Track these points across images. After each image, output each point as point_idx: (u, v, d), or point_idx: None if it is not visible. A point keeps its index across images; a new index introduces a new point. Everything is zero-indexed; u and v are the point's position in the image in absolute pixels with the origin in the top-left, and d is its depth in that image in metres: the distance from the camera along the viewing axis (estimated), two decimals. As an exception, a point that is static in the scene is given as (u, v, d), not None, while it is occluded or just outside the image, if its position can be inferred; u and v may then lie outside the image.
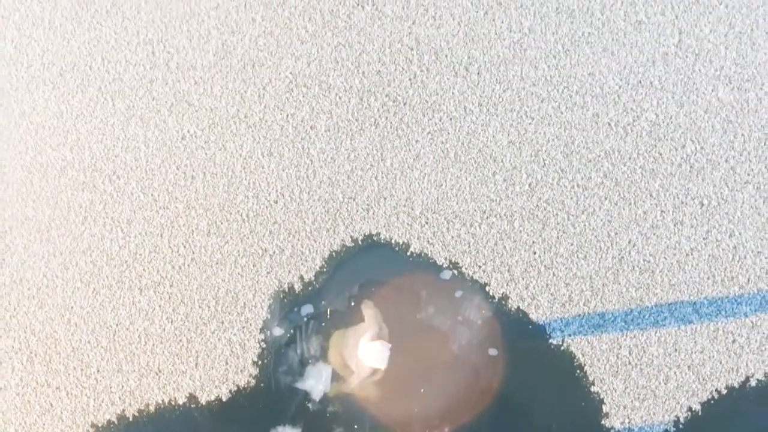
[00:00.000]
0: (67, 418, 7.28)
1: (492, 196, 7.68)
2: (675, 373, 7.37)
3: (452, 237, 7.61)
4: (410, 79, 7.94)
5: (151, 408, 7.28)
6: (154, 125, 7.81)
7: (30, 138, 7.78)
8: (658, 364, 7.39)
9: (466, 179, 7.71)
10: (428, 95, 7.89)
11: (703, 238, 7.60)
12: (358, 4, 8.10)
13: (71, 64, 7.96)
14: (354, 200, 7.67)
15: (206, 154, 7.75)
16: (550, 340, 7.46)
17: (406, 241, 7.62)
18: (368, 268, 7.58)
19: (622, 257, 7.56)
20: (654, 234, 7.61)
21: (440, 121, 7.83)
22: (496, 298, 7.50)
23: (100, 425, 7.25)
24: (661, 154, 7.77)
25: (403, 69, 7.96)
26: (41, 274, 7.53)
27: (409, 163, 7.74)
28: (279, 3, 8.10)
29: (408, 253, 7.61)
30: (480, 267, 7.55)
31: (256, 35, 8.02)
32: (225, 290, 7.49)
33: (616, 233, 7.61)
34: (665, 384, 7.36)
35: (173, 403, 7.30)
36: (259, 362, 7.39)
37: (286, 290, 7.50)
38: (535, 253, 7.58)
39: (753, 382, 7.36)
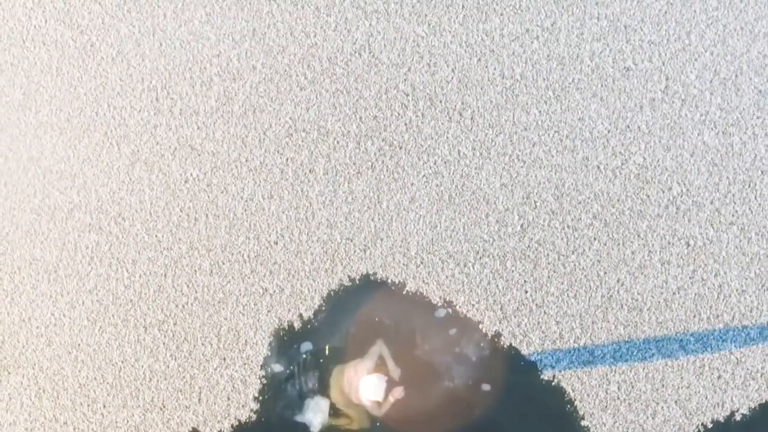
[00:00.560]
0: (73, 453, 7.64)
1: (485, 237, 7.98)
2: (662, 407, 7.68)
3: (446, 276, 7.90)
4: (406, 124, 8.19)
5: (155, 443, 7.62)
6: (158, 169, 8.10)
7: (38, 181, 8.07)
8: (645, 399, 7.68)
9: (460, 221, 8.00)
10: (423, 140, 8.15)
11: (689, 277, 7.90)
12: (355, 52, 8.34)
13: (78, 110, 8.23)
14: (351, 241, 7.97)
15: (209, 196, 8.04)
16: (542, 376, 7.75)
17: (402, 280, 7.91)
18: (365, 307, 7.82)
19: (611, 296, 7.86)
20: (642, 273, 7.91)
21: (435, 164, 8.10)
22: (489, 335, 7.80)
23: (105, 460, 7.58)
24: (648, 196, 8.05)
25: (399, 114, 8.22)
26: (49, 313, 7.85)
27: (404, 205, 8.02)
28: (279, 51, 8.35)
29: (404, 292, 7.89)
30: (473, 305, 7.85)
31: (256, 82, 8.28)
32: (227, 328, 7.81)
33: (605, 272, 7.91)
34: (653, 418, 7.67)
35: (176, 438, 7.66)
36: (260, 398, 7.69)
37: (286, 328, 7.81)
38: (526, 291, 7.89)
39: (738, 417, 7.67)
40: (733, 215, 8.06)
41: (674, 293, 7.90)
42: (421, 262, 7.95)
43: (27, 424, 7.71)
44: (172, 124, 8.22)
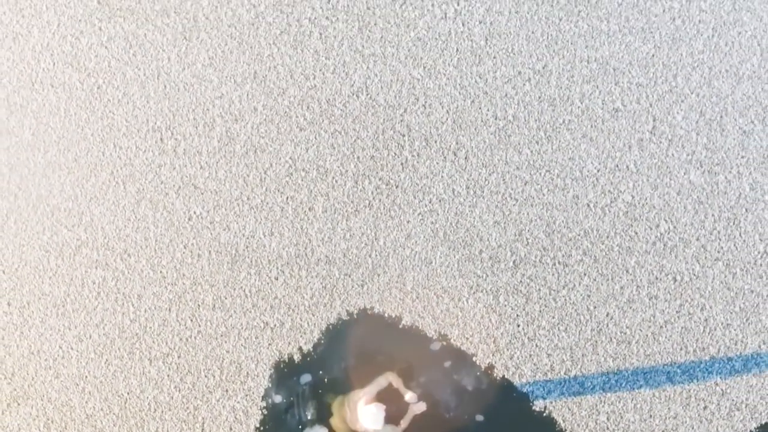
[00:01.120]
0: (79, 483, 7.81)
1: (478, 272, 8.24)
2: (650, 437, 7.89)
3: (441, 311, 8.15)
4: (402, 164, 8.45)
5: (159, 472, 7.78)
6: (162, 207, 8.34)
7: (47, 219, 8.30)
8: (634, 428, 7.95)
9: (455, 257, 8.25)
10: (419, 178, 8.39)
11: (676, 311, 8.16)
12: (353, 94, 8.58)
13: (85, 150, 8.48)
14: (349, 276, 8.21)
15: (211, 233, 8.28)
16: (533, 406, 8.00)
17: (398, 314, 8.14)
18: (362, 340, 8.05)
19: (601, 329, 8.12)
20: (630, 307, 8.17)
21: (430, 202, 8.34)
22: (483, 367, 8.06)
23: (110, 489, 7.74)
24: (636, 233, 8.30)
25: (395, 154, 8.50)
26: (57, 346, 8.10)
27: (401, 242, 8.26)
28: (279, 93, 8.61)
29: (400, 326, 8.12)
30: (467, 339, 8.11)
31: (257, 123, 8.53)
32: (229, 361, 8.05)
33: (594, 307, 8.17)
34: (641, 448, 7.87)
35: (180, 467, 7.82)
36: (261, 428, 7.94)
37: (286, 361, 8.04)
38: (518, 325, 8.14)
39: (723, 446, 7.90)
40: (718, 251, 8.29)
41: (662, 327, 8.14)
42: (417, 297, 8.16)
43: (36, 453, 7.88)
44: (176, 163, 8.46)
